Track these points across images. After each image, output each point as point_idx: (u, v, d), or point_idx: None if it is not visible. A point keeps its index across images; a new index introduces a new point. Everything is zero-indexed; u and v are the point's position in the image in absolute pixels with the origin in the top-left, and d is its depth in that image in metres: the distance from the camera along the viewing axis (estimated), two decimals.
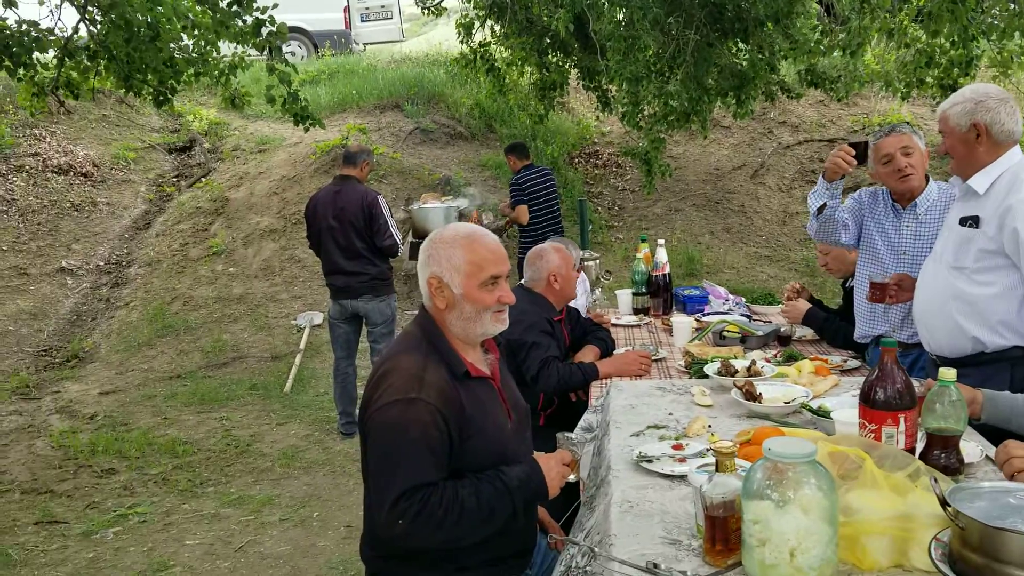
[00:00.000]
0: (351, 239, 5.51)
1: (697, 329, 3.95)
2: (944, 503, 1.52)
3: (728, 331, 3.80)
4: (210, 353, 7.66)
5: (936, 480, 1.59)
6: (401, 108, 12.05)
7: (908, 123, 3.59)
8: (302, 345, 7.50)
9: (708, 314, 4.34)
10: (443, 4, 10.77)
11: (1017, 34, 6.80)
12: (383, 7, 16.37)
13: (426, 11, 10.79)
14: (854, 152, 3.20)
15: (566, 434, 2.26)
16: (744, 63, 9.11)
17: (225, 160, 11.14)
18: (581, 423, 2.95)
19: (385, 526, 1.93)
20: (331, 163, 10.01)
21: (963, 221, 2.83)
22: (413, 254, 8.05)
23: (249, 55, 7.72)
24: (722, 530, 1.70)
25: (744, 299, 4.73)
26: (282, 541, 4.39)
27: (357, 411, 5.74)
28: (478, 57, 10.30)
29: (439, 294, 2.13)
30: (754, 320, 4.17)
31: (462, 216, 8.48)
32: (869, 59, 10.14)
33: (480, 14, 9.92)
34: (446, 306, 2.12)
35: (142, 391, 6.94)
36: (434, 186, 10.03)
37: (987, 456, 2.17)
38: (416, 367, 2.02)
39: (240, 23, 6.82)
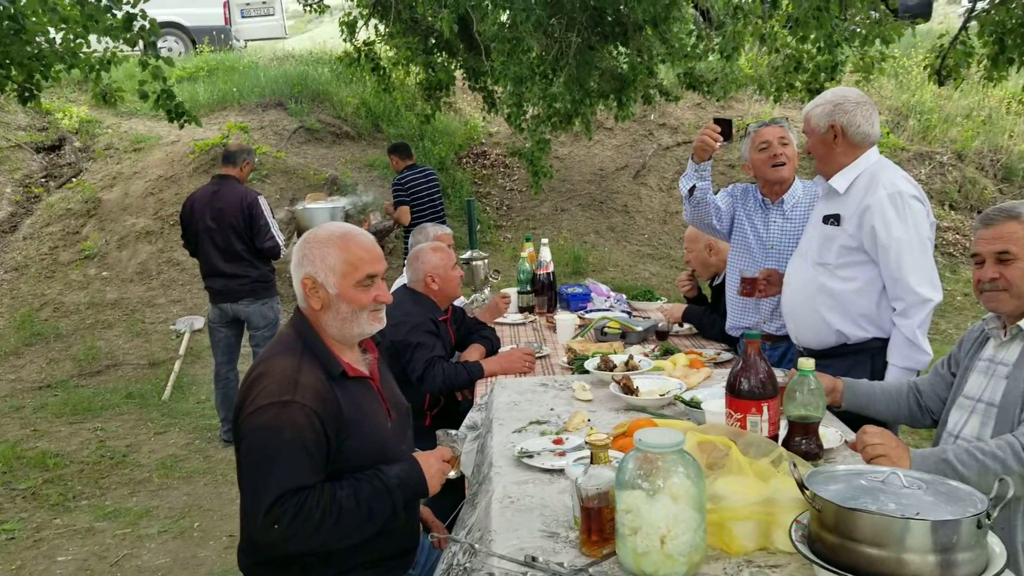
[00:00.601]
0: (230, 241, 5.36)
1: (580, 326, 4.03)
2: (802, 487, 1.60)
3: (609, 327, 3.89)
4: (83, 361, 7.31)
5: (795, 465, 1.68)
6: (284, 106, 11.79)
7: (787, 119, 3.76)
8: (181, 351, 7.25)
9: (591, 311, 4.43)
10: (326, 1, 10.60)
11: (878, 41, 7.19)
12: (264, 3, 15.98)
13: (308, 8, 10.61)
14: (719, 129, 3.29)
15: (446, 431, 2.27)
16: (624, 66, 9.33)
17: (97, 159, 10.62)
18: (466, 421, 2.97)
19: (261, 531, 1.90)
20: (211, 162, 9.70)
21: (826, 219, 2.98)
22: None
23: (122, 50, 7.39)
24: (597, 521, 1.74)
25: (625, 296, 4.85)
26: (161, 553, 4.24)
27: None
28: (362, 56, 10.19)
29: (314, 295, 2.10)
30: (634, 316, 4.28)
31: (348, 217, 8.38)
32: (743, 63, 10.55)
33: (363, 12, 9.81)
34: (321, 307, 2.10)
35: (9, 402, 6.57)
36: (320, 186, 9.86)
37: (846, 441, 2.30)
38: (291, 369, 1.99)
39: (110, 17, 6.52)
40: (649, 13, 8.26)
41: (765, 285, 3.35)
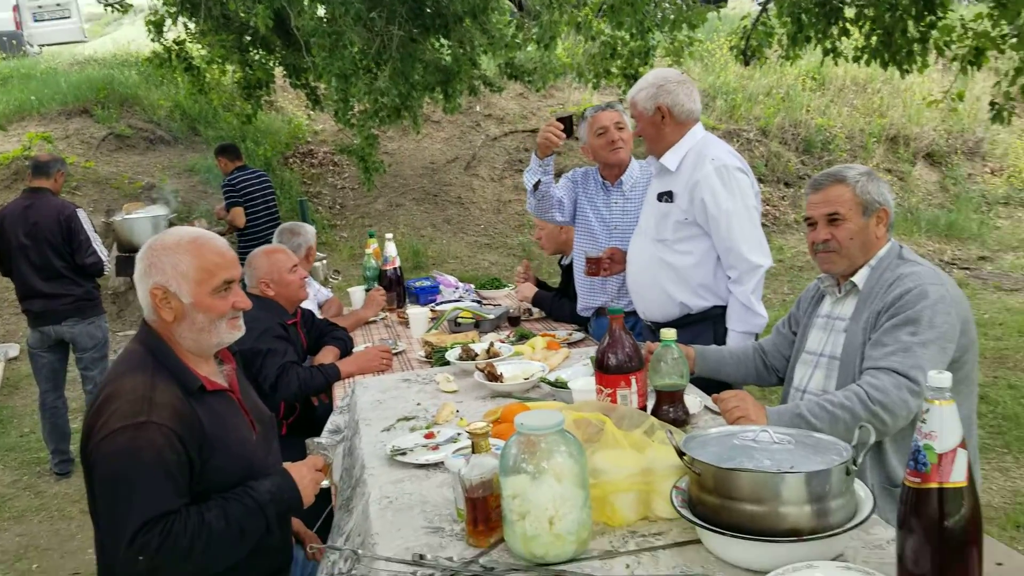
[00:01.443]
0: (48, 258, 4.95)
1: (432, 319, 4.00)
2: (680, 453, 1.65)
3: (462, 317, 3.89)
4: None
5: (671, 432, 1.73)
6: (90, 113, 11.04)
7: (621, 102, 3.87)
8: None
9: (441, 303, 4.41)
10: (129, 1, 9.96)
11: (685, 26, 7.55)
12: (59, 5, 14.93)
13: (110, 7, 9.92)
14: (562, 126, 3.35)
15: (316, 439, 2.18)
16: (448, 58, 9.34)
17: None
18: (328, 426, 2.88)
19: (125, 564, 1.75)
20: (13, 177, 8.96)
21: (660, 197, 3.10)
22: (121, 270, 7.42)
23: None
24: (483, 510, 1.72)
25: (473, 286, 4.86)
26: None
27: (71, 447, 5.22)
28: (173, 56, 9.65)
29: (165, 305, 1.96)
30: (484, 305, 4.30)
31: (172, 225, 7.93)
32: (561, 52, 10.80)
33: (171, 10, 9.29)
34: (174, 318, 1.96)
35: None
36: (137, 195, 9.29)
37: (705, 406, 2.40)
38: (143, 387, 1.85)
39: None
40: (468, 4, 8.32)
41: (609, 264, 3.46)
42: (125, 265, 7.36)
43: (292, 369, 3.20)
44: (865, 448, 1.56)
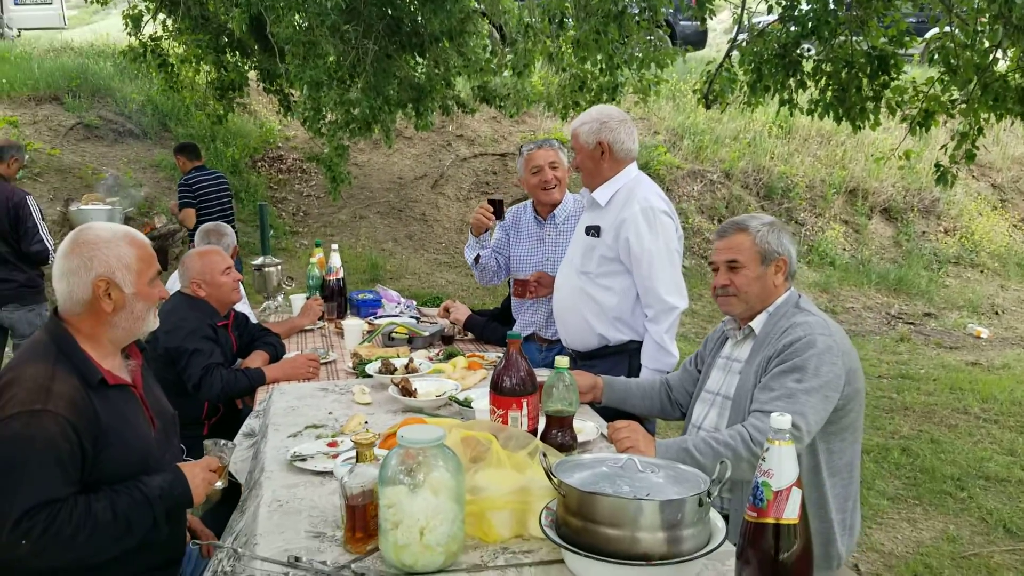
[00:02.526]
0: None
1: (368, 332, 4.05)
2: (550, 475, 1.73)
3: (396, 332, 3.94)
4: None
5: (545, 455, 1.80)
6: (61, 101, 10.99)
7: (558, 140, 3.99)
8: None
9: (380, 317, 4.47)
10: None
11: (653, 65, 7.71)
12: None
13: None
14: (492, 209, 3.71)
15: (215, 440, 2.24)
16: (422, 77, 9.44)
17: None
18: (243, 428, 2.92)
19: (6, 547, 1.79)
20: None
21: (588, 230, 3.20)
22: None
23: None
24: (361, 518, 1.79)
25: (416, 302, 4.92)
26: None
27: None
28: (148, 51, 9.68)
29: (106, 297, 2.02)
30: (422, 322, 4.36)
31: (129, 220, 7.93)
32: (536, 80, 10.95)
33: (150, 6, 9.33)
34: (114, 308, 2.03)
35: None
36: (99, 186, 9.26)
37: (602, 434, 2.48)
38: (43, 376, 1.90)
39: None
40: (445, 25, 8.42)
41: (536, 287, 3.60)
42: None
43: (216, 371, 3.24)
44: (723, 482, 1.65)
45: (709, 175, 12.38)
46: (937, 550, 4.00)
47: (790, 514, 1.45)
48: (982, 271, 11.76)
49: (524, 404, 2.14)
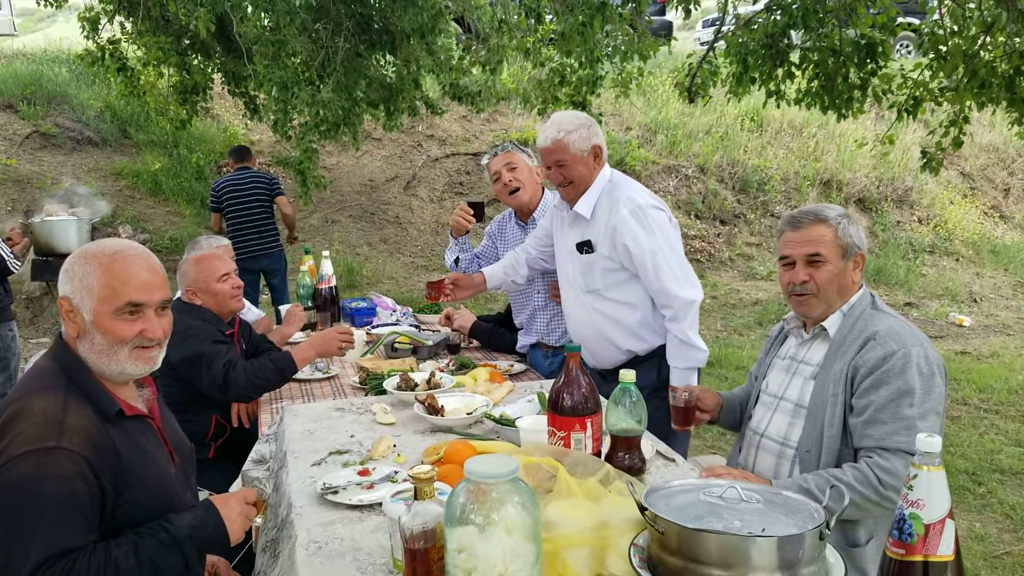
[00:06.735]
0: None
1: (368, 343, 3.82)
2: (642, 508, 1.52)
3: (399, 343, 3.72)
4: None
5: (631, 484, 1.60)
6: (15, 109, 10.57)
7: (513, 141, 3.80)
8: None
9: (377, 326, 4.24)
10: None
11: (636, 56, 7.56)
12: None
13: (44, 3, 9.49)
14: (472, 211, 3.64)
15: (253, 471, 1.97)
16: (392, 76, 9.20)
17: None
18: (252, 455, 2.67)
19: None
20: None
21: (580, 248, 3.00)
22: (36, 274, 7.04)
23: None
24: (423, 563, 1.57)
25: (411, 309, 4.69)
26: None
27: None
28: (107, 55, 9.28)
29: (70, 319, 1.77)
30: (423, 330, 4.14)
31: (95, 230, 7.59)
32: (506, 77, 10.74)
33: (108, 8, 8.94)
34: (77, 334, 1.77)
35: None
36: (59, 196, 8.86)
37: (657, 451, 2.28)
38: (54, 409, 1.65)
39: None
40: (416, 22, 8.18)
41: (452, 289, 3.50)
42: (42, 269, 6.99)
43: (239, 363, 3.00)
44: (839, 512, 1.46)
45: (684, 170, 12.27)
46: (968, 550, 3.87)
47: (944, 550, 1.26)
48: (957, 259, 11.81)
49: (588, 424, 1.92)
